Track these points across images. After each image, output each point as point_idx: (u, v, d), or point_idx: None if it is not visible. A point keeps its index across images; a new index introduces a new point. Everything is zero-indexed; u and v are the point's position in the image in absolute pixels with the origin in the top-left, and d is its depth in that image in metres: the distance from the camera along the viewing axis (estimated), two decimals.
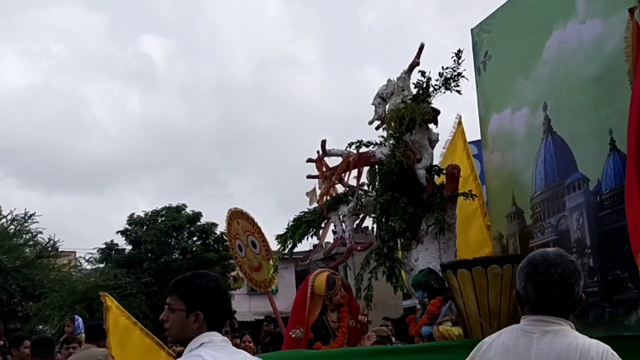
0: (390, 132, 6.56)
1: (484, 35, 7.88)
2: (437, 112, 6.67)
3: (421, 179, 6.63)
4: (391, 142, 6.59)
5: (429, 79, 6.49)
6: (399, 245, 6.87)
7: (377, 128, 7.33)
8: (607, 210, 5.98)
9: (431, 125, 6.88)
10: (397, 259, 6.65)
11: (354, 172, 7.27)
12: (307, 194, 7.37)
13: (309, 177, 7.47)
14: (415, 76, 6.99)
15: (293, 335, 6.02)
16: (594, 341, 3.00)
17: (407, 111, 6.21)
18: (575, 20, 6.41)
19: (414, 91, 6.62)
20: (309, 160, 7.46)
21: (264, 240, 9.18)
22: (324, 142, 7.29)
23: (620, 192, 5.70)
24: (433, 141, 6.82)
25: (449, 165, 6.79)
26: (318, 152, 7.41)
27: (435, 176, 6.83)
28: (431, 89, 6.51)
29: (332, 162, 7.47)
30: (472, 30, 8.10)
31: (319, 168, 7.39)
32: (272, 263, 8.79)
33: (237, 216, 9.35)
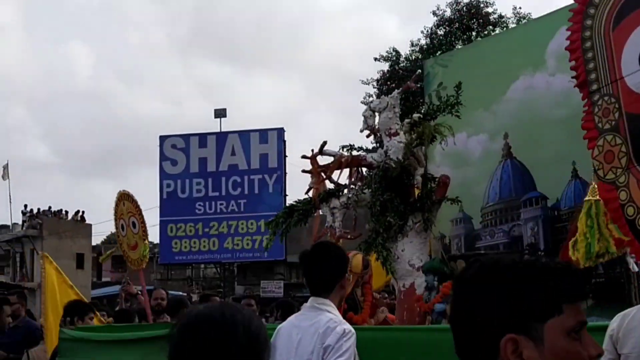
0: (406, 142, 7.76)
1: (438, 68, 9.42)
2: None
3: (418, 184, 7.92)
4: (403, 150, 7.78)
5: (453, 98, 7.78)
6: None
7: (367, 136, 8.52)
8: (564, 222, 7.76)
9: None
10: (389, 249, 7.85)
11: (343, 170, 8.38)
12: None
13: (304, 171, 8.43)
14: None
15: None
16: None
17: (440, 128, 7.49)
18: (545, 72, 8.17)
19: (423, 111, 7.89)
20: (304, 157, 8.42)
21: (143, 222, 9.81)
22: (323, 143, 8.32)
23: (577, 210, 7.50)
24: (424, 154, 8.15)
25: (442, 175, 8.15)
26: (312, 149, 8.41)
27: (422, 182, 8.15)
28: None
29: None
30: (425, 61, 9.62)
31: (312, 164, 8.36)
32: (146, 243, 9.50)
33: (124, 198, 9.92)
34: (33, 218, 41.89)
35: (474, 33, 40.13)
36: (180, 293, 27.34)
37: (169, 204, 34.03)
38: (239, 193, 33.43)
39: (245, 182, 33.57)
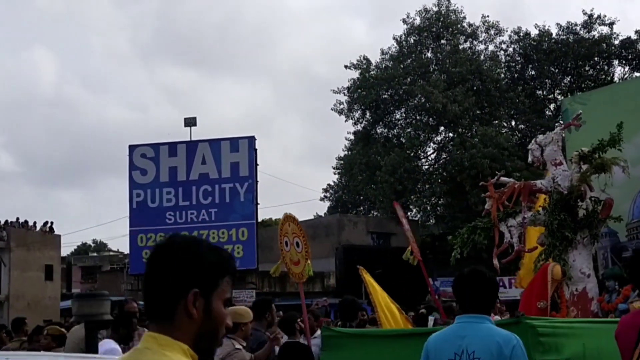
0: (582, 171, 9.42)
1: (577, 106, 11.11)
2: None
3: (588, 206, 9.58)
4: (570, 177, 9.42)
5: (616, 135, 9.40)
6: None
7: (532, 166, 10.19)
8: None
9: None
10: (565, 259, 9.50)
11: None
12: None
13: (484, 196, 10.08)
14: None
15: (539, 306, 8.62)
16: None
17: (614, 160, 9.16)
18: None
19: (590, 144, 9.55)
20: (482, 185, 10.10)
21: (306, 244, 10.85)
22: (500, 174, 10.02)
23: None
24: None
25: (607, 198, 9.79)
26: (489, 178, 10.08)
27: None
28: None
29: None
30: (564, 99, 11.35)
31: (489, 189, 10.02)
32: (309, 262, 10.40)
33: (289, 219, 11.20)
34: (0, 230, 40.46)
35: (443, 41, 41.27)
36: None
37: (139, 214, 33.80)
38: (209, 202, 33.28)
39: (216, 191, 33.37)
